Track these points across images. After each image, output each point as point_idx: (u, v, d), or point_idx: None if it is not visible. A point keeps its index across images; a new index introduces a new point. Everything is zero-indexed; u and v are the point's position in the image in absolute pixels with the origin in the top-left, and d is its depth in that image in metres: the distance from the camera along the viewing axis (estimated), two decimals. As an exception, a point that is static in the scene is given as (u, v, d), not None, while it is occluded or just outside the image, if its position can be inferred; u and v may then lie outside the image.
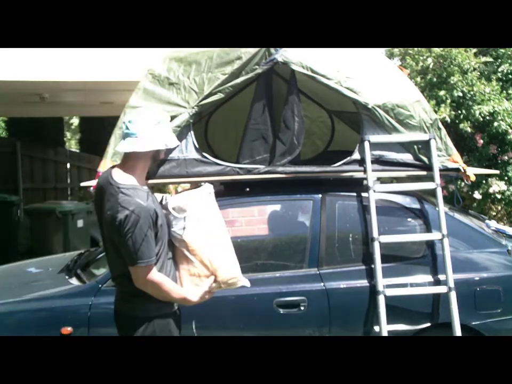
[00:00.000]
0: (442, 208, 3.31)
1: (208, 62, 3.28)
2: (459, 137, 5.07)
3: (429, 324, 3.21)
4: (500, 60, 5.49)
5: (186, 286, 2.48)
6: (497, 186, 5.12)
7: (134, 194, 2.33)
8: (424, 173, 3.43)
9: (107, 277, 3.05)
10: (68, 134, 19.13)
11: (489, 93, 5.07)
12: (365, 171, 3.34)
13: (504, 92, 5.29)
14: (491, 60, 5.33)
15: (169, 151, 3.05)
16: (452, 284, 3.13)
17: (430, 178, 3.37)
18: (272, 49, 3.25)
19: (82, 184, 3.73)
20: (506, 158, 5.23)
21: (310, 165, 3.43)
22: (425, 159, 3.41)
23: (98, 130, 11.98)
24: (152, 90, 3.29)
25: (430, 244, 3.33)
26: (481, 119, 5.03)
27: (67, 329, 2.98)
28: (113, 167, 2.51)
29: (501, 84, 5.39)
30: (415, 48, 5.41)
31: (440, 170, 3.38)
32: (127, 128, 2.40)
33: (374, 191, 3.29)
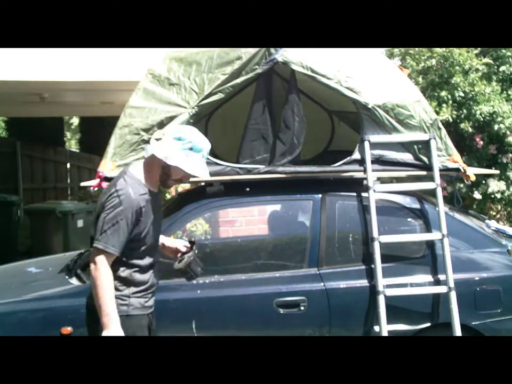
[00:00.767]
0: (442, 208, 3.31)
1: (208, 62, 3.29)
2: (459, 137, 5.07)
3: (429, 324, 3.22)
4: (500, 60, 5.48)
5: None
6: (496, 186, 5.11)
7: (130, 184, 2.45)
8: (424, 173, 3.43)
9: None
10: (68, 134, 19.10)
11: (489, 93, 5.07)
12: (365, 171, 3.34)
13: (505, 92, 5.29)
14: (491, 61, 5.33)
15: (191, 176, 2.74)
16: (452, 284, 3.13)
17: (430, 178, 3.37)
18: (272, 49, 3.26)
19: (83, 184, 3.73)
20: (505, 160, 5.23)
21: (310, 165, 3.44)
22: (425, 159, 3.41)
23: (98, 130, 11.94)
24: (152, 90, 3.30)
25: (430, 244, 3.33)
26: (482, 119, 5.03)
27: (67, 329, 2.98)
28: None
29: (501, 84, 5.39)
30: (416, 48, 5.40)
31: (440, 170, 3.39)
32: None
33: (374, 191, 3.29)
